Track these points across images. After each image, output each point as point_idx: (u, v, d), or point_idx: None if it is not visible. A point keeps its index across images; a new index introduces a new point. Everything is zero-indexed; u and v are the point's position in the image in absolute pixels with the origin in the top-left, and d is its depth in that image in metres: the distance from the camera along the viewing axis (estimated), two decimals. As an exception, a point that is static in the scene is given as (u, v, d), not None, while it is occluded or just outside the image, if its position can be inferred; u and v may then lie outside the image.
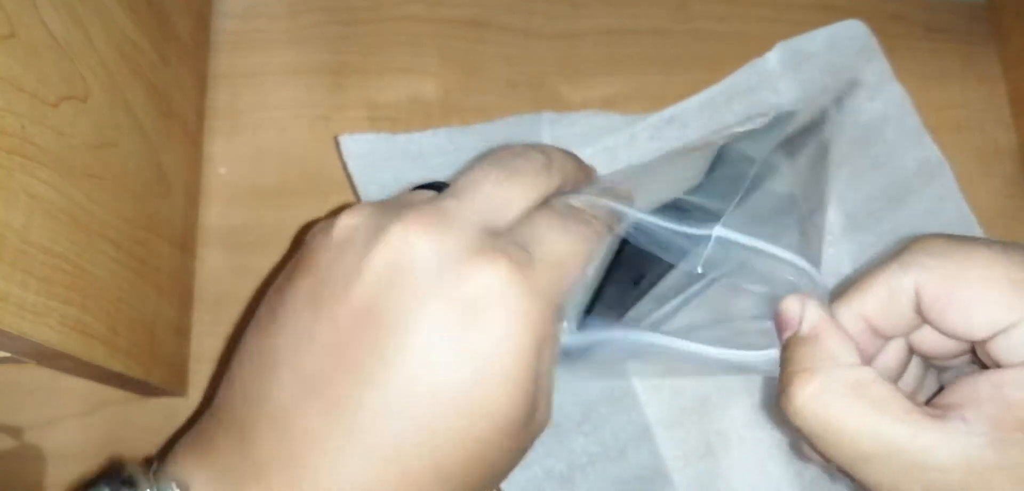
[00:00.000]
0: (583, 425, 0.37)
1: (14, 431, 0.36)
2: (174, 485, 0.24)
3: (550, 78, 0.43)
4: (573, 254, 0.27)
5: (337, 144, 0.40)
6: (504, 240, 0.25)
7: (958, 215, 0.41)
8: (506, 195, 0.27)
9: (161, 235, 0.35)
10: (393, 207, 0.26)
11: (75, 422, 0.37)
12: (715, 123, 0.41)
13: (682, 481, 0.37)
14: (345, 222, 0.25)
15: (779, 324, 0.27)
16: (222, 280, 0.39)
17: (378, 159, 0.39)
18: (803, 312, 0.26)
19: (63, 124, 0.27)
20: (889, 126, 0.42)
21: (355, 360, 0.23)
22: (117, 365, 0.30)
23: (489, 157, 0.28)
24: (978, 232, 0.40)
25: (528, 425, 0.25)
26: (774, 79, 0.42)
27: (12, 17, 0.24)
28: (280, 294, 0.26)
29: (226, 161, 0.41)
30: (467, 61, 0.43)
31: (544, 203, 0.28)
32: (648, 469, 0.37)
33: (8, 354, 0.25)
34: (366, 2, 0.44)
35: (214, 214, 0.40)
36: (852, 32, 0.42)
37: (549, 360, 0.26)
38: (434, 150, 0.40)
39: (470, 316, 0.23)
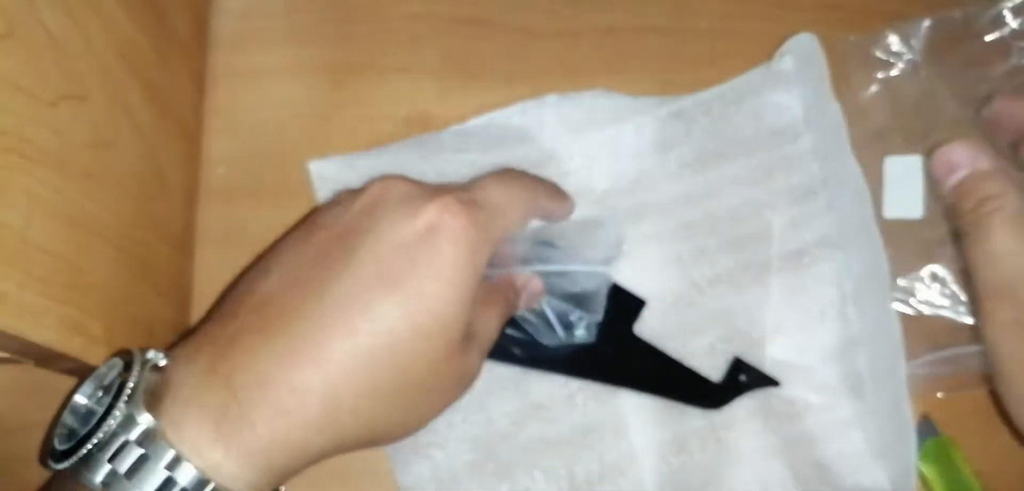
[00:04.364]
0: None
1: (12, 432, 0.36)
2: (161, 354, 0.28)
3: (550, 77, 0.43)
4: (509, 200, 0.32)
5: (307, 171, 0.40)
6: (455, 188, 0.31)
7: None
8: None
9: (159, 235, 0.35)
10: None
11: (73, 423, 0.36)
12: (722, 124, 0.41)
13: (654, 478, 0.37)
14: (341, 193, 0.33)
15: (947, 168, 0.33)
16: (220, 280, 0.39)
17: (345, 182, 0.39)
18: (976, 154, 0.32)
19: (61, 124, 0.27)
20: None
21: (329, 261, 0.29)
22: (116, 366, 0.30)
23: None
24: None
25: (464, 349, 0.30)
26: (786, 81, 0.41)
27: (10, 16, 0.24)
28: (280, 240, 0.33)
29: (225, 161, 0.41)
30: (467, 60, 0.43)
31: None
32: (625, 457, 0.37)
33: (6, 354, 0.25)
34: (365, 0, 0.44)
35: (213, 214, 0.40)
36: (807, 43, 0.40)
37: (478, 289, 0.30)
38: (401, 166, 0.39)
39: (423, 235, 0.29)
